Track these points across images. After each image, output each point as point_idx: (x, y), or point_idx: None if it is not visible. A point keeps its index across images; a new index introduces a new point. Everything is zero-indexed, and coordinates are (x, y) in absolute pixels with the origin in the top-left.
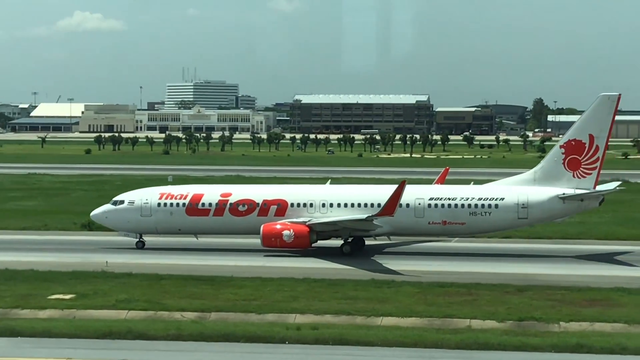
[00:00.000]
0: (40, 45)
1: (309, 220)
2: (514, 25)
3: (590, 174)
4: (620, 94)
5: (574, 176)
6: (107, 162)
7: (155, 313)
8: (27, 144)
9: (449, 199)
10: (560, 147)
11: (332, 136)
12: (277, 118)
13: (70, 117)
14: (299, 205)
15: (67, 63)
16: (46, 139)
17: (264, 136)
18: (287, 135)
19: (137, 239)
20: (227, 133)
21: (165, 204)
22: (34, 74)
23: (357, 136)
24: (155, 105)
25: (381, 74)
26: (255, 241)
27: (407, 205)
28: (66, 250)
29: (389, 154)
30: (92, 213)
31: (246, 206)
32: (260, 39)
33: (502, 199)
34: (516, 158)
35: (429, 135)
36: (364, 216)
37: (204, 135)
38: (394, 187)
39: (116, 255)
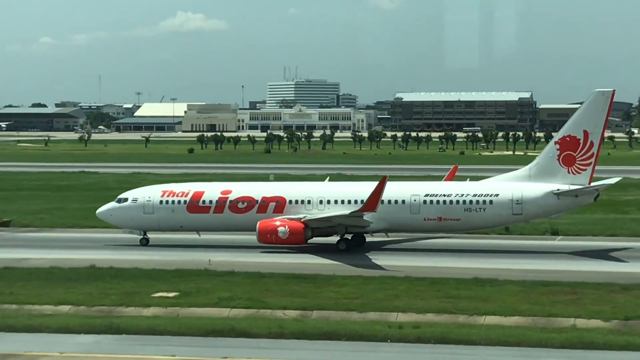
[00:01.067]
0: (143, 46)
1: (304, 217)
2: (617, 21)
3: (585, 169)
4: (614, 90)
5: (569, 172)
6: (210, 161)
7: (258, 311)
8: (131, 144)
9: (444, 195)
10: (555, 143)
11: (434, 134)
12: (378, 116)
13: (173, 116)
14: (297, 202)
15: (170, 63)
16: (150, 139)
17: (365, 134)
18: (389, 134)
19: (141, 236)
20: (328, 131)
21: (167, 202)
22: (138, 74)
23: (458, 134)
24: (257, 105)
25: (483, 70)
26: None
27: (403, 201)
28: (170, 248)
29: (491, 152)
30: (98, 211)
31: (245, 203)
32: (361, 37)
33: (497, 195)
34: (621, 155)
35: (532, 133)
36: (347, 212)
37: (305, 134)
38: (395, 183)
39: (218, 253)
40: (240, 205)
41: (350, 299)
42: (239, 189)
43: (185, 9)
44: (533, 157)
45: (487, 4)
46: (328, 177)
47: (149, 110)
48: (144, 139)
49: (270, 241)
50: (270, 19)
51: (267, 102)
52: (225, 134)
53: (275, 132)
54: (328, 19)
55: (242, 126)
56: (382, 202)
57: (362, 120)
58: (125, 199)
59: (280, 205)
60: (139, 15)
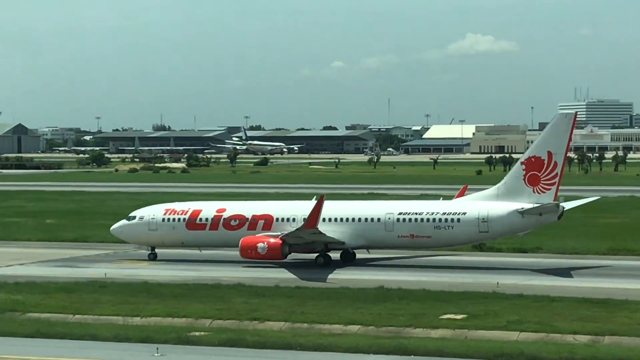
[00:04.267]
0: (432, 68)
1: (281, 234)
2: None
3: (550, 189)
4: (576, 112)
5: (534, 191)
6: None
7: (547, 335)
8: (420, 166)
9: (416, 213)
10: (521, 163)
11: None
12: None
13: (462, 138)
14: (283, 220)
15: (458, 85)
16: (438, 160)
17: None
18: None
19: (149, 252)
20: (620, 153)
21: (169, 219)
22: (427, 96)
23: None
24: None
25: None
26: None
27: (379, 219)
28: (457, 270)
29: None
30: (112, 228)
31: (237, 221)
32: None
33: (464, 213)
34: None
35: None
36: (294, 228)
37: (597, 155)
38: (372, 202)
39: (507, 276)
40: (232, 222)
41: None
42: (232, 208)
43: (475, 31)
44: None
45: None
46: (315, 197)
47: (437, 132)
48: (432, 160)
49: (250, 256)
50: (561, 39)
51: None
52: (514, 156)
53: None
54: (621, 38)
55: None
56: (360, 220)
57: None
58: (134, 217)
59: (268, 222)
60: (428, 38)
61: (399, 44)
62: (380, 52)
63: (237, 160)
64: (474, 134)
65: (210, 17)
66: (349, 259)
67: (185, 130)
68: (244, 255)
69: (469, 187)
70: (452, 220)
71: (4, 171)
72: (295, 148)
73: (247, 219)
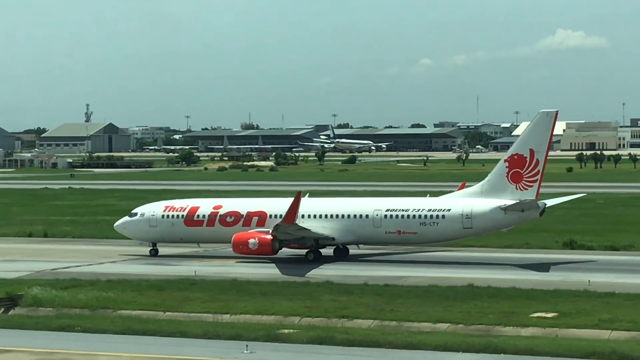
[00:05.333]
0: (521, 65)
1: (273, 230)
2: None
3: (532, 186)
4: (557, 111)
5: (516, 188)
6: (589, 180)
7: None
8: None
9: (403, 210)
10: (505, 161)
11: None
12: None
13: (552, 135)
14: (276, 216)
15: (548, 81)
16: None
17: None
18: None
19: (151, 247)
20: None
21: (168, 216)
22: (516, 93)
23: None
24: (639, 122)
25: None
26: None
27: (367, 216)
28: (548, 268)
29: None
30: (115, 224)
31: (233, 217)
32: None
33: (449, 210)
34: None
35: None
36: (275, 224)
37: None
38: (361, 199)
39: (598, 274)
40: (228, 219)
41: None
42: (228, 205)
43: (565, 27)
44: None
45: None
46: (308, 194)
47: None
48: None
49: (242, 252)
50: None
51: None
52: (605, 153)
53: None
54: None
55: (623, 144)
56: (349, 216)
57: None
58: (136, 214)
59: (262, 219)
60: (517, 35)
61: (488, 41)
62: (469, 49)
63: (325, 158)
64: (564, 130)
65: (298, 17)
66: (341, 255)
67: (274, 128)
68: (236, 251)
69: (467, 184)
70: (437, 216)
71: (96, 170)
72: (383, 146)
73: (242, 215)
